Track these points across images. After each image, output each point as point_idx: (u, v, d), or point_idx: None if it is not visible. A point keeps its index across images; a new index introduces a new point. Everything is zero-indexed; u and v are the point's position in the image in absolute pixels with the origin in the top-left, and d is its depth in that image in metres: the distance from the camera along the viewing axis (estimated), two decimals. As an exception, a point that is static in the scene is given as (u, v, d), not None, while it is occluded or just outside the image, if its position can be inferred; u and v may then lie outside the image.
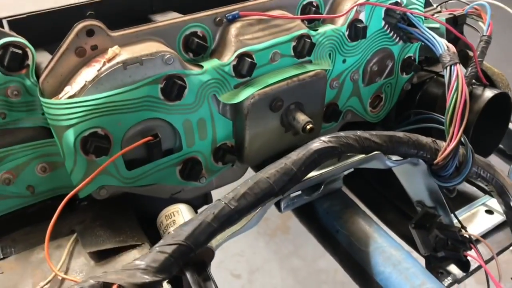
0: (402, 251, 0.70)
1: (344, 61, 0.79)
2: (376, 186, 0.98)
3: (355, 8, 0.76)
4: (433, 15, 0.91)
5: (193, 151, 0.69)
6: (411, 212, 0.91)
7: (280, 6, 0.75)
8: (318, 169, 0.69)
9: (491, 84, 0.95)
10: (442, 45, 0.75)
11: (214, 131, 0.70)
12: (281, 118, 0.73)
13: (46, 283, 0.57)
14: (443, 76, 0.90)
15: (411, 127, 0.88)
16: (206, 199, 0.83)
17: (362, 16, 0.78)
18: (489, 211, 0.96)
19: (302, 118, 0.71)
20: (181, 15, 0.73)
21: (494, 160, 1.12)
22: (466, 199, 0.98)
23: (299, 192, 0.73)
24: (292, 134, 0.75)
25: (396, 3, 0.80)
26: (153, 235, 0.66)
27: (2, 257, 0.62)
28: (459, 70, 0.72)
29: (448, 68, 0.72)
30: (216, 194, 0.79)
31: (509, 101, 0.93)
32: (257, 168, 0.83)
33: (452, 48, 0.75)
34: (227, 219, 0.54)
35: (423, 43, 0.79)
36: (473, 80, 0.89)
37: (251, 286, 2.32)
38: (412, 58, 0.88)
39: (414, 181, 0.81)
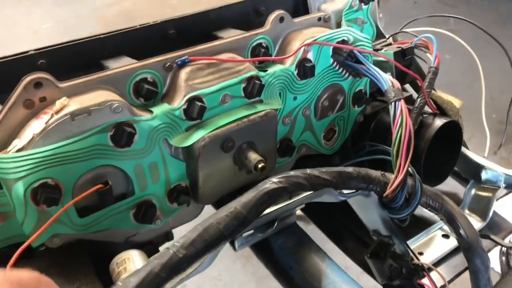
0: (354, 285, 0.72)
1: (295, 98, 0.82)
2: (335, 214, 1.00)
3: (303, 48, 0.79)
4: (381, 48, 0.95)
5: (146, 195, 0.70)
6: (369, 240, 0.94)
7: (230, 49, 0.77)
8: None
9: (442, 112, 0.99)
10: (387, 81, 0.78)
11: (167, 174, 0.71)
12: (234, 157, 0.75)
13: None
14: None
15: (365, 158, 0.91)
16: (167, 237, 0.84)
17: (310, 55, 0.81)
18: (446, 235, 0.99)
19: (253, 157, 0.73)
20: (133, 60, 0.75)
21: (451, 182, 1.16)
22: (424, 224, 1.01)
23: (253, 231, 0.75)
24: (245, 172, 0.76)
25: (343, 41, 0.83)
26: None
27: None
28: (403, 105, 0.75)
29: (393, 104, 0.75)
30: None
31: (458, 127, 0.97)
32: (215, 205, 0.85)
33: (397, 84, 0.78)
34: (175, 268, 0.55)
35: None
36: (424, 109, 0.92)
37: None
38: (363, 91, 0.91)
39: (368, 212, 0.83)
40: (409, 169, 0.73)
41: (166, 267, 0.55)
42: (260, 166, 0.72)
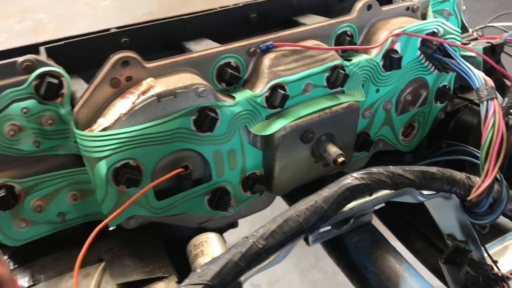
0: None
1: (377, 90, 0.78)
2: (404, 214, 0.96)
3: (390, 39, 0.75)
4: (469, 43, 0.89)
5: (222, 181, 0.69)
6: (439, 242, 0.90)
7: (315, 36, 0.74)
8: (348, 204, 0.68)
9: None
10: (480, 78, 0.73)
11: (244, 161, 0.69)
12: (312, 149, 0.72)
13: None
14: (477, 104, 0.88)
15: (443, 158, 0.86)
16: (232, 225, 0.83)
17: (397, 46, 0.76)
18: (525, 244, 0.93)
19: (333, 150, 0.70)
20: (215, 43, 0.73)
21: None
22: (498, 231, 0.96)
23: (328, 227, 0.72)
24: (322, 164, 0.74)
25: (433, 34, 0.78)
26: (178, 259, 0.66)
27: (32, 283, 0.62)
28: (497, 105, 0.70)
29: (485, 103, 0.70)
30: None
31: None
32: (286, 197, 0.82)
33: (490, 82, 0.73)
34: (254, 258, 0.54)
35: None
36: (510, 111, 0.86)
37: (270, 297, 2.30)
38: (447, 87, 0.86)
39: (446, 215, 0.79)
40: (498, 173, 0.68)
41: (246, 257, 0.53)
42: (340, 160, 0.69)
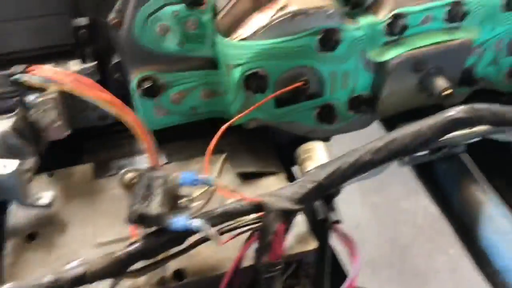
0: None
1: (493, 29, 0.80)
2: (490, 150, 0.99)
3: (516, -22, 0.75)
4: None
5: (333, 98, 0.76)
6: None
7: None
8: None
9: None
10: None
11: (356, 83, 0.76)
12: (421, 79, 0.77)
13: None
14: None
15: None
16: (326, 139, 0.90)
17: (523, -15, 0.76)
18: None
19: (441, 83, 0.75)
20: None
21: None
22: None
23: (425, 152, 0.79)
24: (427, 94, 0.78)
25: None
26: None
27: (167, 161, 0.75)
28: None
29: None
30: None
31: None
32: (385, 121, 0.88)
33: None
34: (360, 168, 0.62)
35: None
36: None
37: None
38: None
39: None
40: None
41: (354, 166, 0.62)
42: (446, 93, 0.74)
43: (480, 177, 0.81)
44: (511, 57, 0.85)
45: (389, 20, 0.71)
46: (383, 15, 0.71)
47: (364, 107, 0.78)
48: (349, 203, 2.44)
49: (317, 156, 0.71)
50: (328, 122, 0.78)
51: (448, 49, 0.74)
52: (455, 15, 0.74)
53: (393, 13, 0.71)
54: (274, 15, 0.65)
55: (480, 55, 0.82)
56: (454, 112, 0.65)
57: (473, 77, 0.84)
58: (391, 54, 0.72)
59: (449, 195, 0.80)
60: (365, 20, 0.71)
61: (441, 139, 0.67)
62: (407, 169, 0.93)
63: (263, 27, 0.65)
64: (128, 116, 0.62)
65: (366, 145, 0.64)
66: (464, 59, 0.78)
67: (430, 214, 2.23)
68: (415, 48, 0.73)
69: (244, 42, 0.66)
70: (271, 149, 0.78)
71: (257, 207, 0.56)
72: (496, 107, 0.68)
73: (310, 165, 0.71)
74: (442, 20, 0.75)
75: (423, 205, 2.30)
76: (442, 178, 0.83)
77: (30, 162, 0.67)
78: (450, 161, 0.82)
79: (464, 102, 0.85)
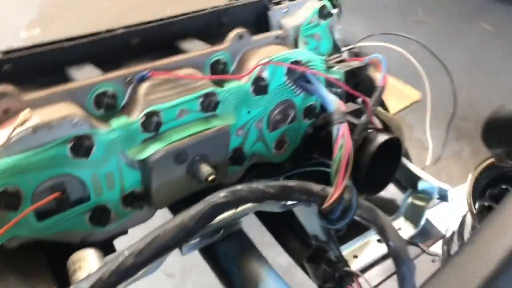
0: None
1: (249, 112, 0.88)
2: (280, 214, 1.08)
3: (258, 67, 0.85)
4: (333, 66, 1.01)
5: (101, 200, 0.76)
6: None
7: (191, 64, 0.82)
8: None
9: (386, 128, 1.07)
10: (333, 104, 0.85)
11: (122, 181, 0.76)
12: (187, 168, 0.80)
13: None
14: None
15: (309, 169, 0.99)
16: (124, 232, 0.89)
17: (265, 74, 0.86)
18: (380, 240, 1.08)
19: (205, 169, 0.79)
20: (96, 70, 0.78)
21: (393, 190, 1.26)
22: (361, 229, 1.10)
23: (198, 239, 0.82)
24: (197, 181, 0.82)
25: (297, 62, 0.89)
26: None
27: None
28: (345, 130, 0.82)
29: (335, 126, 0.82)
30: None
31: (399, 143, 1.05)
32: (170, 208, 0.90)
33: (342, 107, 0.85)
34: (124, 274, 0.62)
35: (320, 97, 0.89)
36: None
37: (184, 285, 2.36)
38: (314, 106, 0.98)
39: (309, 219, 0.91)
40: (348, 183, 0.81)
41: (116, 274, 0.61)
42: (210, 178, 0.78)
43: (256, 251, 0.87)
44: (274, 132, 0.95)
45: (143, 119, 0.74)
46: (136, 115, 0.74)
47: (138, 202, 0.79)
48: (201, 270, 2.41)
49: (87, 266, 0.69)
50: (102, 224, 0.77)
51: (206, 137, 0.80)
52: (208, 106, 0.80)
53: (144, 112, 0.74)
54: (12, 132, 0.64)
55: (244, 135, 0.90)
56: (215, 198, 0.69)
57: (243, 155, 0.91)
58: (150, 151, 0.75)
59: (230, 273, 0.84)
60: (117, 122, 0.73)
61: (208, 225, 0.71)
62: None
63: (2, 145, 0.63)
64: None
65: (130, 247, 0.64)
66: (226, 143, 0.84)
67: None
68: (173, 142, 0.76)
69: (-18, 163, 0.63)
70: (42, 263, 0.73)
71: None
72: (254, 186, 0.74)
73: (80, 276, 0.69)
74: (197, 111, 0.80)
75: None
76: (223, 258, 0.87)
77: None
78: (229, 240, 0.86)
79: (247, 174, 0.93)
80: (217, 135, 0.81)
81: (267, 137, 0.94)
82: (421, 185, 1.14)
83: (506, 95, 3.48)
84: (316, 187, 0.81)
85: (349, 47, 1.14)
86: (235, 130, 0.87)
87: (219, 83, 0.84)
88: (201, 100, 0.80)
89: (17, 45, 0.78)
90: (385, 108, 1.22)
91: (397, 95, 2.11)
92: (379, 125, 1.06)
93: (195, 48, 0.86)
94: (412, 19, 4.75)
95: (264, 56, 0.86)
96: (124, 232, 0.85)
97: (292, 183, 0.79)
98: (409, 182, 1.17)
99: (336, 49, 1.15)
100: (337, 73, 0.98)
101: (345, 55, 1.16)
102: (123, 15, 0.93)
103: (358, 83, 1.04)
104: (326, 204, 0.80)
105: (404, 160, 1.16)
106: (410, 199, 1.15)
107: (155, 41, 0.89)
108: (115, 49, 0.85)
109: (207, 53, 0.84)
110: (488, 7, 4.78)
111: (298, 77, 0.90)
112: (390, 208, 1.19)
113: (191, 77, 0.79)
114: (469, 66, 3.85)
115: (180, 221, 0.67)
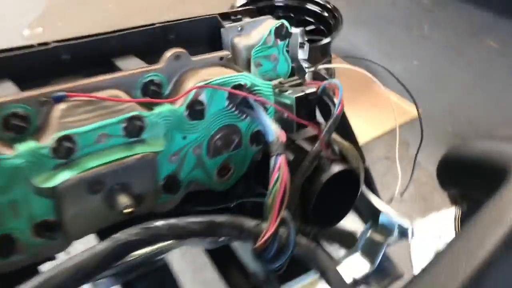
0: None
1: (184, 137, 0.81)
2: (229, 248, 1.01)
3: (193, 90, 0.78)
4: (287, 90, 0.94)
5: (7, 229, 0.70)
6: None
7: (118, 84, 0.76)
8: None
9: (343, 157, 1.00)
10: (273, 134, 0.78)
11: (31, 210, 0.70)
12: (104, 198, 0.74)
13: None
14: (299, 146, 0.93)
15: (253, 200, 0.92)
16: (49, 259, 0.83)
17: (202, 97, 0.80)
18: (327, 278, 1.01)
19: (123, 201, 0.73)
20: (12, 87, 0.73)
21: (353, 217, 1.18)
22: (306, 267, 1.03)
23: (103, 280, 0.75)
24: (116, 212, 0.76)
25: (240, 86, 0.82)
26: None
27: None
28: (283, 162, 0.75)
29: (273, 157, 0.76)
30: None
31: (355, 174, 0.98)
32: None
33: (282, 137, 0.78)
34: None
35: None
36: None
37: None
38: (261, 132, 0.91)
39: (247, 256, 0.84)
40: (287, 218, 0.74)
41: None
42: (126, 211, 0.72)
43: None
44: (215, 159, 0.88)
45: (54, 144, 0.68)
46: (47, 140, 0.68)
47: (50, 233, 0.73)
48: None
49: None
50: (6, 254, 0.71)
51: (127, 165, 0.73)
52: (133, 131, 0.74)
53: (56, 136, 0.68)
54: None
55: (179, 162, 0.83)
56: (125, 235, 0.63)
57: (178, 183, 0.85)
58: (59, 179, 0.69)
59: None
60: (24, 147, 0.67)
61: (114, 265, 0.64)
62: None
63: None
64: None
65: (26, 284, 0.58)
66: (150, 172, 0.77)
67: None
68: (87, 169, 0.70)
69: None
70: None
71: None
72: (173, 222, 0.68)
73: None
74: (121, 136, 0.74)
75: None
76: (142, 297, 0.80)
77: None
78: (149, 277, 0.80)
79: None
80: (139, 162, 0.74)
81: (207, 164, 0.87)
82: (381, 219, 1.07)
83: (507, 113, 3.39)
84: (249, 222, 0.74)
85: (311, 69, 1.08)
86: (167, 156, 0.81)
87: (151, 106, 0.78)
88: (124, 124, 0.73)
89: None
90: (353, 136, 1.15)
91: (393, 111, 2.05)
92: (337, 154, 1.00)
93: (129, 66, 0.80)
94: (417, 33, 4.68)
95: (203, 78, 0.80)
96: (40, 262, 0.79)
97: (221, 218, 0.73)
98: (370, 215, 1.09)
99: (299, 70, 1.09)
100: (288, 98, 0.92)
101: (308, 77, 1.09)
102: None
103: (314, 109, 0.98)
104: (259, 243, 0.74)
105: (365, 191, 1.09)
106: (369, 233, 1.08)
107: (88, 57, 0.83)
108: (41, 65, 0.79)
109: (138, 73, 0.78)
110: (495, 24, 4.68)
111: (240, 102, 0.84)
112: (349, 240, 1.12)
113: (112, 99, 0.72)
114: (471, 83, 3.76)
115: (80, 260, 0.61)
